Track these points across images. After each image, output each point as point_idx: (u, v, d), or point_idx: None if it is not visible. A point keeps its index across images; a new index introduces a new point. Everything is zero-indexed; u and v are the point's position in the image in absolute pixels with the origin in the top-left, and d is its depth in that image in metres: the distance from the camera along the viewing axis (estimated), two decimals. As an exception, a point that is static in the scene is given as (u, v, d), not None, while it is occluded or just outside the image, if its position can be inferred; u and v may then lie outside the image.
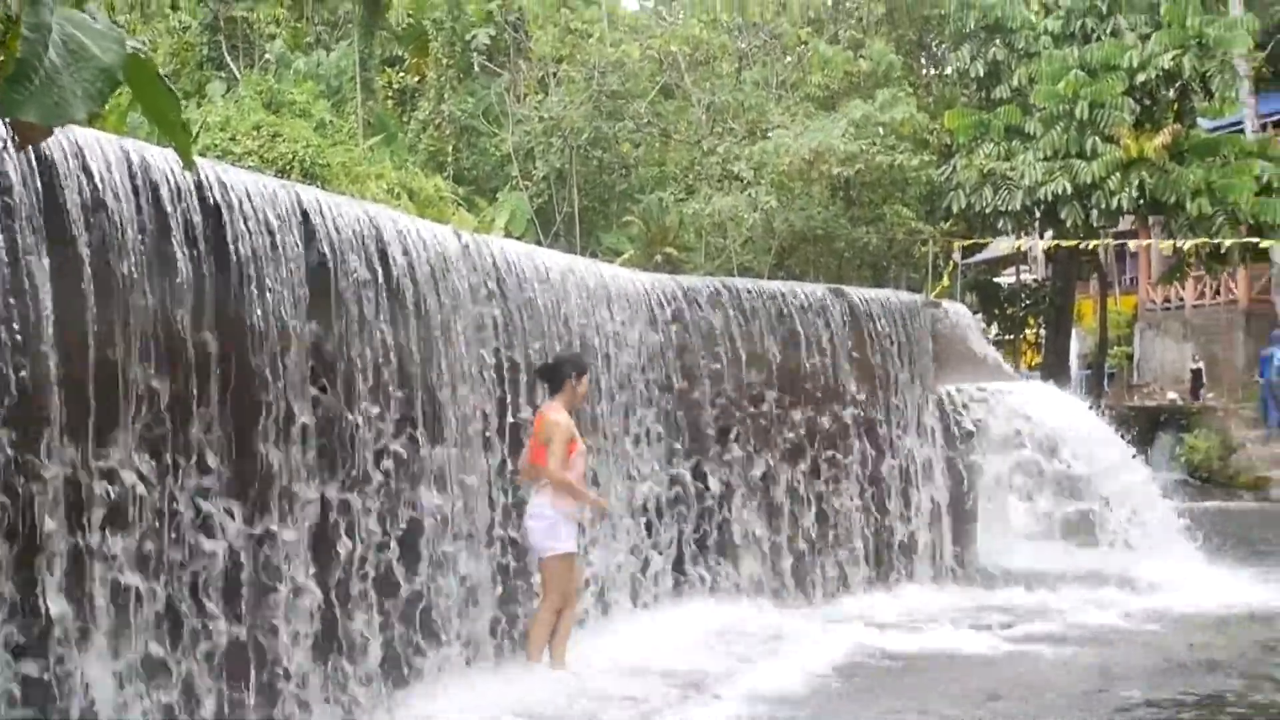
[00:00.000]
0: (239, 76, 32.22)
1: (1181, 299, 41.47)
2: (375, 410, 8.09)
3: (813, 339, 13.38)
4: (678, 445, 12.39)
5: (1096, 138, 26.28)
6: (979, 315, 32.74)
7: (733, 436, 12.83)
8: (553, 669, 9.12)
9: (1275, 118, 39.52)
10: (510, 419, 9.82)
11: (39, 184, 5.66)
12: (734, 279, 14.30)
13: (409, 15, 35.86)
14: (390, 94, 36.99)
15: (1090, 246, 28.22)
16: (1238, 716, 8.59)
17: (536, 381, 9.72)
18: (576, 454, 9.12)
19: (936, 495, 14.40)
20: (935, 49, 31.64)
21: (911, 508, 14.07)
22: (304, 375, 7.40)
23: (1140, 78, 26.55)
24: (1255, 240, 26.20)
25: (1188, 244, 26.60)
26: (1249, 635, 11.43)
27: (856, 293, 14.26)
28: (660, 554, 12.03)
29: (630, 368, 11.93)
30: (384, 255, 8.33)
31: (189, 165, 4.25)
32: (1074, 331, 35.98)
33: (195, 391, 6.56)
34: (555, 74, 31.69)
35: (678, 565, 12.25)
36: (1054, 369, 31.74)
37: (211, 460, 6.67)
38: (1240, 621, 12.03)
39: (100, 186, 5.98)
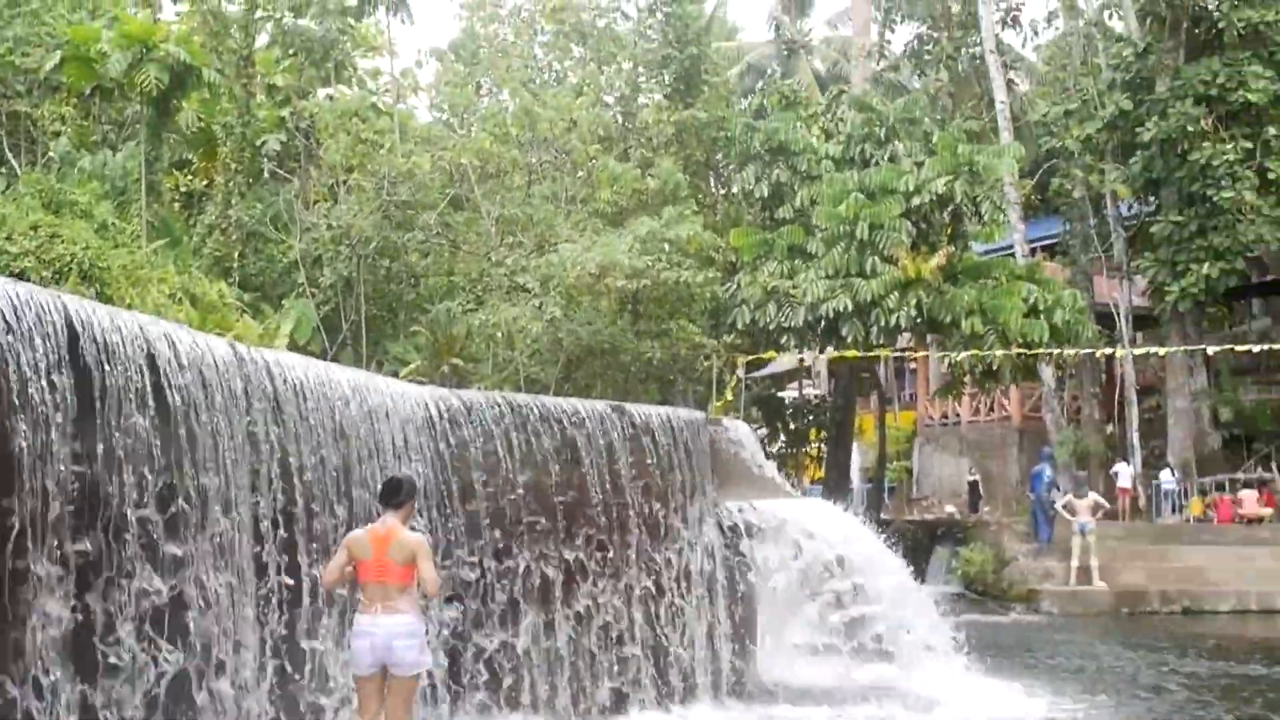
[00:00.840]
0: (19, 173, 31.20)
1: (958, 415, 42.89)
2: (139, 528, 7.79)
3: (594, 456, 13.32)
4: (455, 560, 12.15)
5: (876, 258, 27.10)
6: (763, 429, 33.28)
7: (513, 553, 12.65)
8: None
9: (1042, 243, 41.49)
10: (283, 535, 9.57)
11: None
12: (516, 395, 14.21)
13: (199, 118, 35.27)
14: (177, 197, 36.27)
15: (870, 360, 29.00)
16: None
17: (381, 500, 9.40)
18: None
19: (717, 612, 14.39)
20: (722, 169, 32.36)
21: (692, 625, 14.03)
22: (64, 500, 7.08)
23: (916, 201, 27.55)
24: (1024, 353, 27.19)
25: (960, 356, 27.49)
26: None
27: (638, 410, 14.28)
28: (438, 667, 11.74)
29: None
30: (154, 365, 8.07)
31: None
32: (855, 446, 36.79)
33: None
34: (345, 182, 31.45)
35: (455, 678, 11.97)
36: (836, 482, 32.35)
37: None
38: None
39: None
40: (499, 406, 12.94)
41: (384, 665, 8.87)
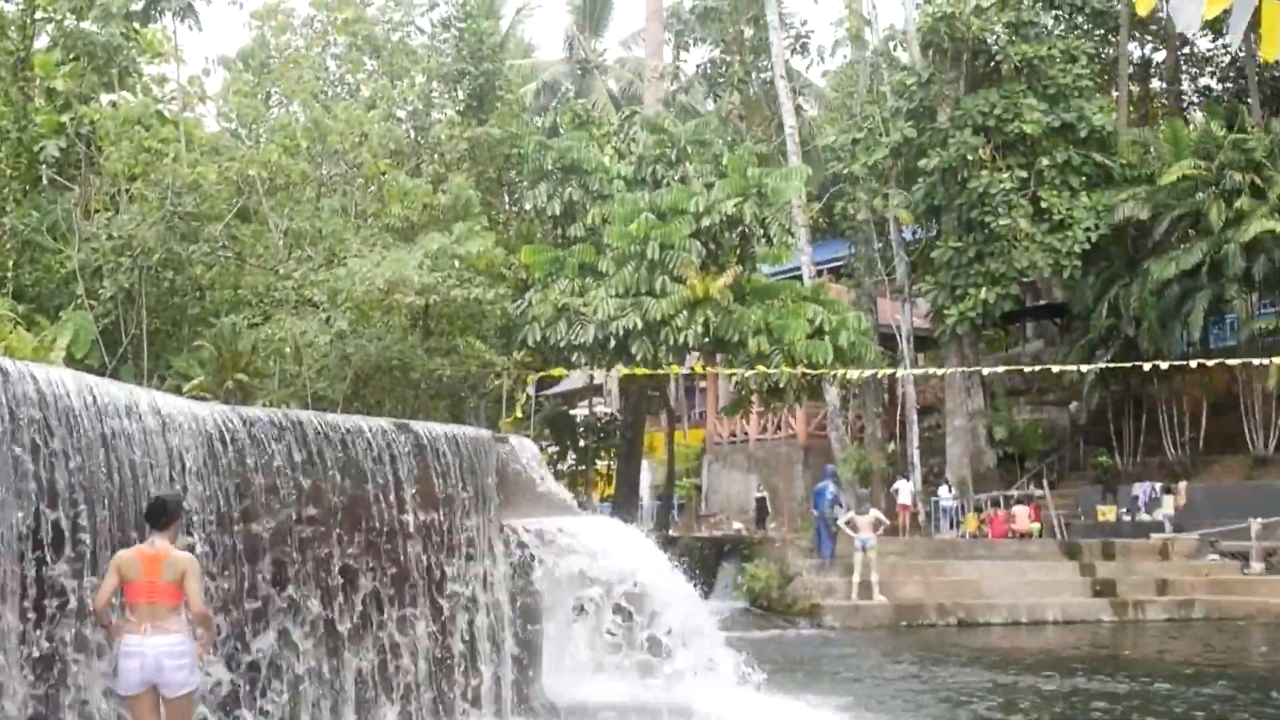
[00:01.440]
0: None
1: (746, 433, 43.65)
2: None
3: (378, 475, 13.17)
4: (234, 583, 11.87)
5: (666, 277, 27.43)
6: (554, 447, 33.34)
7: (292, 573, 12.41)
8: None
9: (829, 265, 42.56)
10: (49, 555, 9.26)
11: None
12: (299, 412, 13.95)
13: (-28, 124, 33.81)
14: (-52, 204, 34.64)
15: (659, 378, 29.31)
16: None
17: (148, 519, 9.36)
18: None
19: (501, 631, 14.34)
20: (515, 186, 32.40)
21: (475, 644, 13.96)
22: None
23: (706, 222, 27.98)
24: (808, 373, 27.80)
25: (746, 374, 28.00)
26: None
27: (423, 427, 14.17)
28: (211, 694, 11.44)
29: (187, 503, 11.39)
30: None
31: None
32: (645, 463, 37.10)
33: None
34: (128, 191, 30.46)
35: (231, 704, 11.68)
36: (626, 499, 32.58)
37: None
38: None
39: None
40: (280, 424, 12.70)
41: (154, 685, 8.79)
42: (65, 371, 10.96)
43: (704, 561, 27.67)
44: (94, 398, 10.26)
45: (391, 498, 13.20)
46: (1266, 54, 5.59)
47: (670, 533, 32.06)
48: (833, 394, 36.62)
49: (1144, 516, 33.35)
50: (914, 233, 40.37)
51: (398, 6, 34.25)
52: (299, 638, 12.30)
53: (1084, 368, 34.96)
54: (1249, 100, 44.81)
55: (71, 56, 33.46)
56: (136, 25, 33.50)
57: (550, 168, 29.84)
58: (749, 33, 43.97)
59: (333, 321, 25.67)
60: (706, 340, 27.62)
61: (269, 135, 30.67)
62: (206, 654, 9.83)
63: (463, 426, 15.71)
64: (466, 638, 13.81)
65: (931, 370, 38.12)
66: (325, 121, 28.83)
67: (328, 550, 12.59)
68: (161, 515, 9.18)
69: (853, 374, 29.30)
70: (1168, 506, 33.09)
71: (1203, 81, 53.87)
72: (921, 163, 36.58)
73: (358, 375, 26.33)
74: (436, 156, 31.36)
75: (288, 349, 26.19)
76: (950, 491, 35.87)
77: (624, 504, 32.22)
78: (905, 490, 35.22)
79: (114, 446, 10.34)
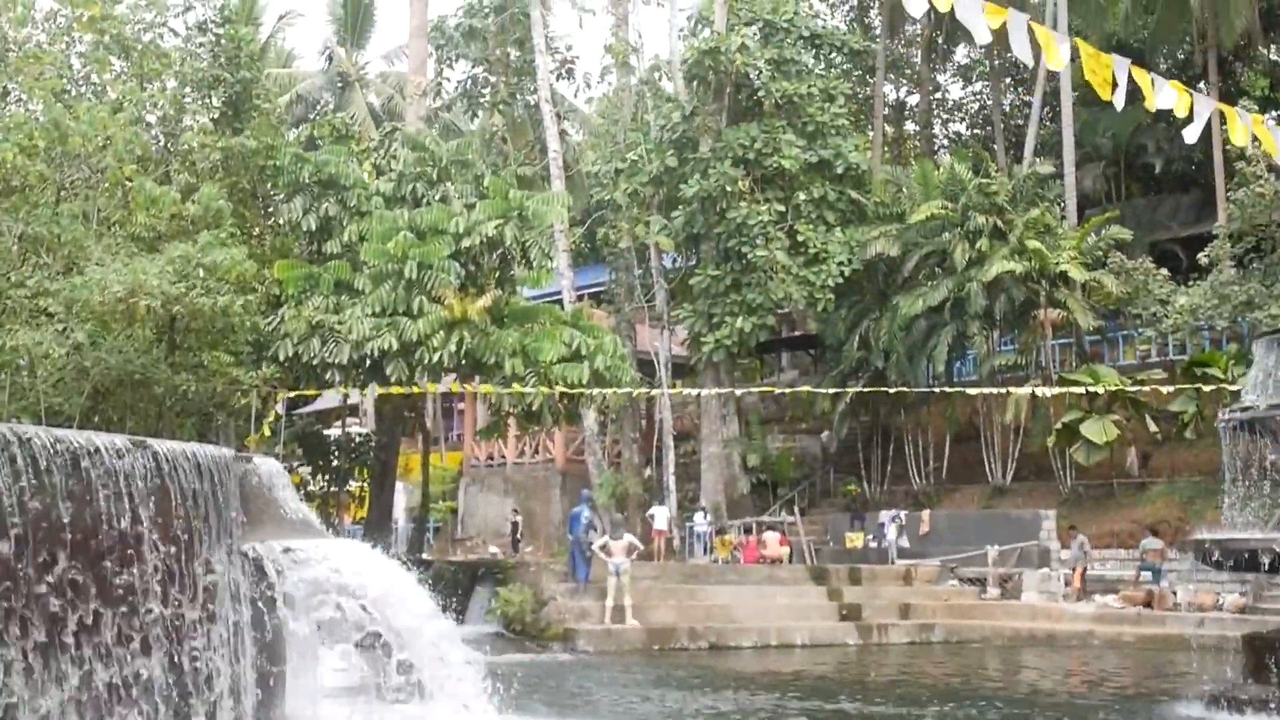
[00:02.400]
0: None
1: (504, 456, 43.40)
2: None
3: (111, 494, 12.47)
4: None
5: (423, 297, 27.03)
6: (305, 467, 32.47)
7: (14, 597, 11.63)
8: None
9: (590, 290, 42.72)
10: None
11: None
12: (25, 426, 13.13)
13: None
14: None
15: (415, 399, 28.84)
16: None
17: None
18: None
19: (242, 656, 13.76)
20: (270, 199, 31.46)
21: (215, 672, 13.34)
22: None
23: (466, 243, 27.69)
24: (564, 393, 27.71)
25: (500, 393, 27.81)
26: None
27: (161, 445, 13.49)
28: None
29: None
30: None
31: None
32: (400, 485, 36.53)
33: None
34: None
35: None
36: (379, 522, 31.97)
37: None
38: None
39: None
40: (4, 438, 11.93)
41: None
42: None
43: (458, 585, 27.27)
44: None
45: (126, 517, 12.53)
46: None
47: (424, 556, 31.54)
48: (590, 419, 36.71)
49: (887, 543, 34.29)
50: (674, 260, 40.81)
51: (150, 6, 32.89)
52: (21, 676, 11.55)
53: (832, 390, 35.92)
54: (994, 146, 46.85)
55: None
56: None
57: (307, 181, 29.11)
58: (514, 54, 43.87)
59: (69, 332, 24.39)
60: (463, 362, 27.28)
61: (4, 133, 29.01)
62: None
63: (204, 445, 15.04)
64: (205, 663, 13.20)
65: (688, 390, 38.57)
66: (67, 122, 27.37)
67: (57, 572, 11.86)
68: None
69: (609, 394, 29.37)
70: (893, 533, 34.17)
71: (953, 126, 56.19)
72: (682, 191, 37.00)
73: (97, 389, 25.07)
74: (187, 165, 30.15)
75: (20, 361, 24.77)
76: (705, 517, 36.26)
77: (377, 527, 31.55)
78: (661, 516, 35.47)
79: None
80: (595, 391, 28.02)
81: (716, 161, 36.56)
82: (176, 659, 12.93)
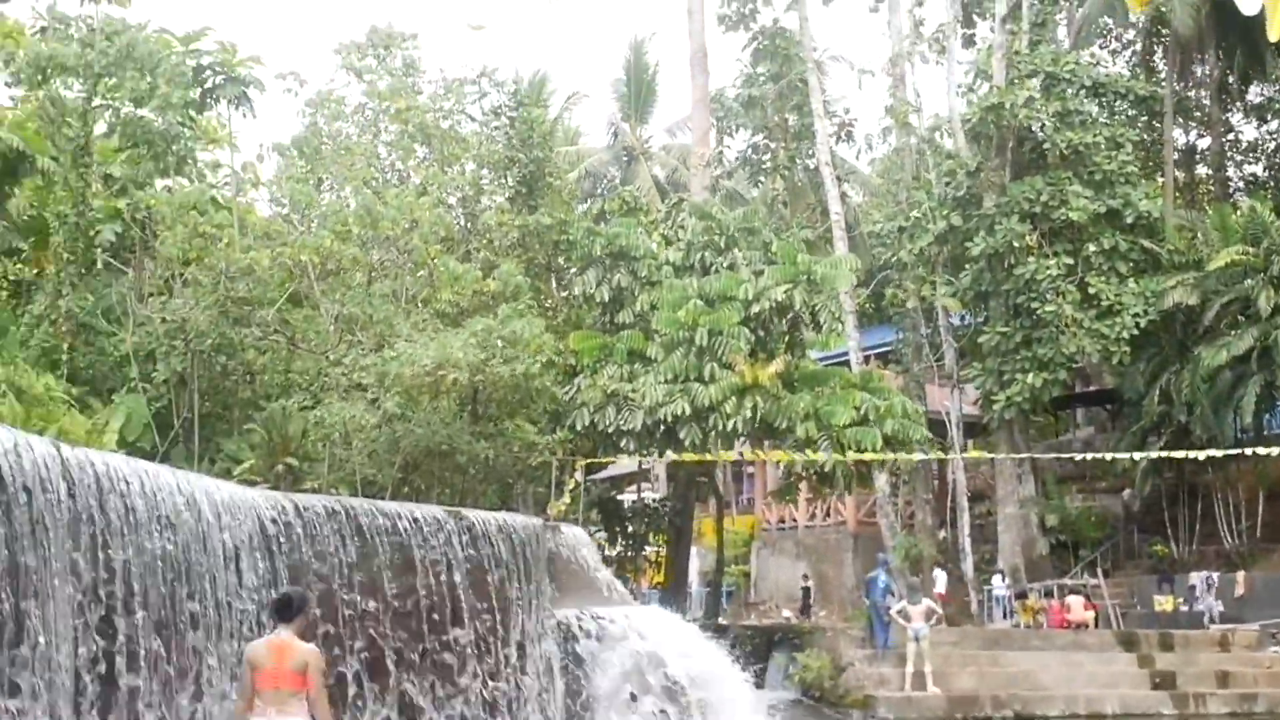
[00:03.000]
0: None
1: (795, 520, 43.35)
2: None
3: (429, 562, 13.13)
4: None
5: (715, 363, 27.41)
6: (602, 532, 33.17)
7: (344, 660, 12.34)
8: None
9: (876, 351, 42.45)
10: (105, 643, 9.25)
11: None
12: (350, 499, 13.95)
13: (31, 206, 34.30)
14: (5, 286, 35.07)
15: (708, 464, 29.21)
16: None
17: (269, 612, 10.27)
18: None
19: (553, 717, 14.21)
20: (563, 272, 32.52)
21: (528, 735, 13.82)
22: None
23: (755, 309, 27.96)
24: (857, 459, 27.60)
25: (795, 459, 27.89)
26: None
27: (475, 515, 14.15)
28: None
29: (237, 588, 11.38)
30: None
31: None
32: (694, 550, 36.87)
33: None
34: (182, 275, 30.75)
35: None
36: (675, 587, 32.35)
37: None
38: None
39: None
40: (332, 510, 12.70)
41: None
42: (120, 458, 11.00)
43: (755, 650, 27.30)
44: (152, 485, 10.28)
45: (444, 586, 13.14)
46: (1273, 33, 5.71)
47: (720, 620, 31.72)
48: (882, 481, 36.35)
49: (1200, 606, 32.77)
50: (961, 318, 40.21)
51: (448, 95, 34.64)
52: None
53: (1136, 455, 34.61)
54: (1296, 186, 44.68)
55: (130, 143, 34.01)
56: (193, 113, 34.03)
57: (599, 254, 29.95)
58: (792, 120, 44.18)
59: (381, 405, 25.71)
60: (755, 426, 27.50)
61: (321, 221, 30.91)
62: None
63: (514, 514, 15.65)
64: (518, 729, 13.68)
65: (982, 455, 37.78)
66: (377, 208, 29.09)
67: (381, 636, 12.51)
68: (287, 610, 9.88)
69: (901, 459, 29.10)
70: (1212, 597, 32.62)
71: (1248, 168, 53.79)
72: (968, 249, 36.50)
73: (406, 460, 26.32)
74: (487, 243, 31.54)
75: (337, 434, 26.21)
76: (1004, 580, 35.41)
77: (673, 591, 31.97)
78: (941, 580, 34.84)
79: (168, 531, 10.36)
80: (889, 457, 27.80)
81: (1002, 217, 35.96)
82: (495, 715, 13.47)
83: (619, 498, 37.64)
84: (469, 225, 32.35)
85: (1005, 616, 34.74)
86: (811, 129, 41.44)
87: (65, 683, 8.88)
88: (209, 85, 34.74)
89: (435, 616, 12.99)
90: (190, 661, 10.25)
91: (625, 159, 59.24)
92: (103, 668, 9.35)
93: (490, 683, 13.41)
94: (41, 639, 8.46)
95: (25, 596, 8.21)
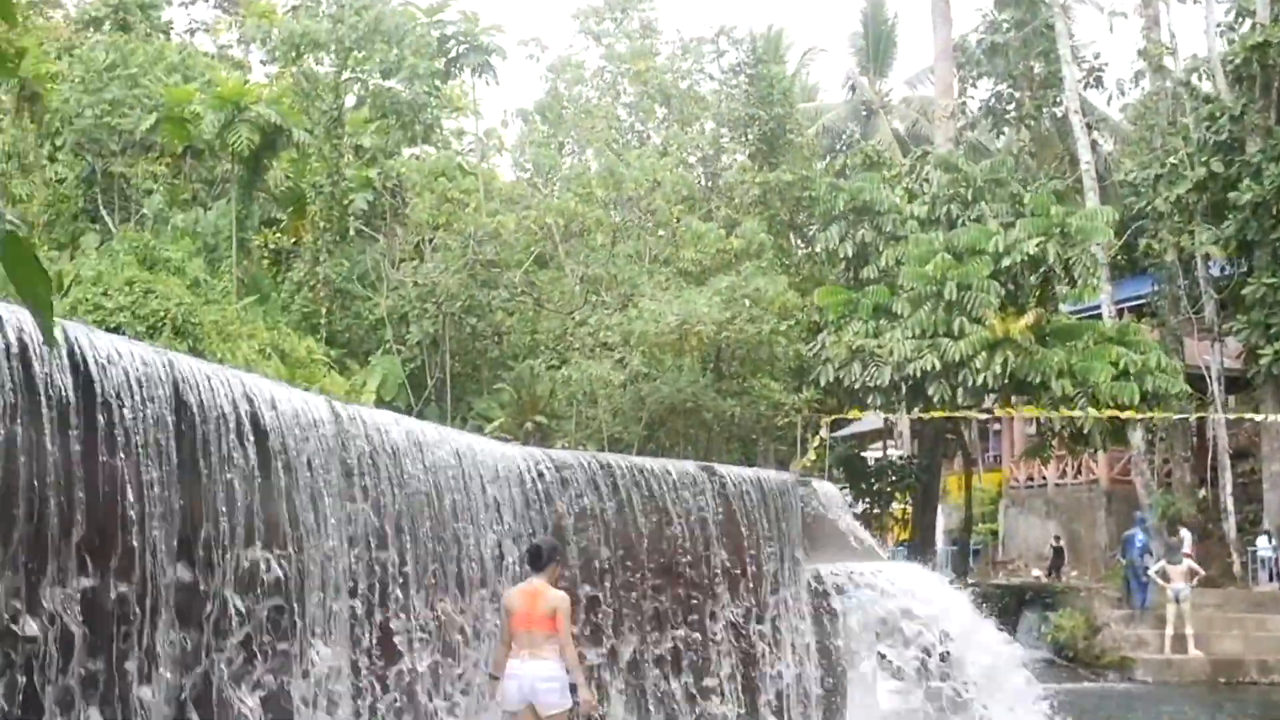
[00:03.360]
0: (114, 230, 31.77)
1: (1044, 478, 42.24)
2: (242, 577, 7.81)
3: (683, 517, 13.20)
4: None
5: (964, 318, 26.87)
6: (846, 490, 32.96)
7: (601, 615, 12.52)
8: None
9: (1130, 304, 40.93)
10: (379, 589, 9.58)
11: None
12: (606, 454, 14.13)
13: (288, 178, 35.80)
14: (266, 254, 36.75)
15: (955, 421, 28.69)
16: None
17: (523, 561, 10.90)
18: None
19: (807, 675, 14.17)
20: (805, 229, 32.30)
21: (782, 688, 13.82)
22: (170, 544, 7.10)
23: (1005, 262, 27.29)
24: (1115, 416, 26.75)
25: (1053, 415, 27.18)
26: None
27: (728, 471, 14.15)
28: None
29: (500, 540, 11.64)
30: (255, 422, 8.10)
31: (51, 342, 4.04)
32: (940, 507, 36.34)
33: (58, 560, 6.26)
34: (431, 240, 31.69)
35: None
36: (921, 544, 31.96)
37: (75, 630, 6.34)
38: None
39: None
40: (590, 466, 12.88)
41: (530, 704, 10.10)
42: (387, 413, 11.34)
43: (1004, 609, 26.81)
44: (416, 439, 10.58)
45: (698, 540, 13.20)
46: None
47: (968, 579, 31.25)
48: (1137, 437, 35.10)
49: None
50: (1222, 269, 38.46)
51: (686, 55, 34.72)
52: (606, 682, 12.40)
53: None
54: None
55: (379, 114, 35.13)
56: (438, 82, 34.92)
57: (842, 209, 29.65)
58: (1038, 67, 42.87)
59: (627, 364, 26.04)
60: (1006, 382, 26.91)
61: (564, 184, 31.43)
62: (577, 680, 10.54)
63: (765, 470, 15.64)
64: (773, 683, 13.68)
65: (1247, 416, 36.15)
66: (619, 169, 29.41)
67: (637, 592, 12.66)
68: (538, 559, 10.45)
69: (1161, 418, 28.11)
70: None
71: None
72: (1231, 196, 34.84)
73: (651, 417, 26.62)
74: (728, 200, 31.60)
75: (583, 392, 26.67)
76: (1270, 541, 33.89)
77: (919, 549, 31.60)
78: (1187, 540, 33.53)
79: (437, 487, 10.65)
80: (1149, 415, 26.88)
81: (1269, 163, 34.17)
82: (745, 674, 13.51)
83: (863, 455, 37.36)
84: (710, 184, 32.43)
85: (1271, 579, 33.24)
86: (1058, 76, 40.11)
87: (343, 630, 9.22)
88: (453, 55, 35.62)
89: (689, 571, 13.06)
90: (456, 607, 10.56)
91: (864, 113, 58.42)
92: (378, 615, 9.68)
93: (742, 635, 13.45)
94: (319, 592, 8.80)
95: (303, 549, 8.54)
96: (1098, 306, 36.59)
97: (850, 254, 29.53)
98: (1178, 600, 24.79)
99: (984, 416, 30.56)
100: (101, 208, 34.14)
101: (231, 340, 23.86)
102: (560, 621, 10.16)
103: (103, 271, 24.22)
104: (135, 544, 6.89)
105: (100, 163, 34.05)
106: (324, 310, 33.29)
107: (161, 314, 22.77)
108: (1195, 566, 26.05)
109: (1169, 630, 24.85)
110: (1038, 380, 26.54)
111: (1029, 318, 26.83)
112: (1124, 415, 26.70)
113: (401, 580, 9.97)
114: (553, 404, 27.93)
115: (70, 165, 34.56)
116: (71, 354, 6.56)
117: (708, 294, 26.19)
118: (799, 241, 32.83)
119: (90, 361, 6.69)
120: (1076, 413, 26.16)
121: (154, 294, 23.26)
